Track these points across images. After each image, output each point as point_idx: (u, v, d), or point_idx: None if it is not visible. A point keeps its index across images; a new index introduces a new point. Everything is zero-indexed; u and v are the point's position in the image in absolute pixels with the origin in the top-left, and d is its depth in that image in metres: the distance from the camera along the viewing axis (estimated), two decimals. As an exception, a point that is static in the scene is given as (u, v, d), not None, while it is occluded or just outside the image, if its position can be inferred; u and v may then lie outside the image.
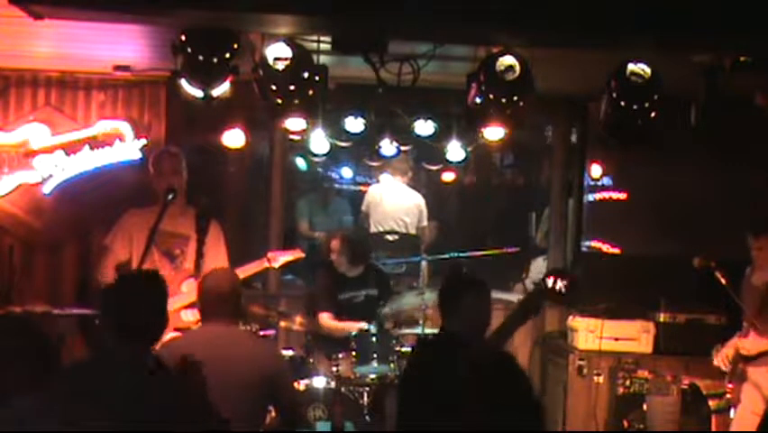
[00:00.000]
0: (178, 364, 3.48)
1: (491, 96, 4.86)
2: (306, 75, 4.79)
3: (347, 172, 10.12)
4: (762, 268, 5.66)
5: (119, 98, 6.63)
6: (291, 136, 6.53)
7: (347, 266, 6.51)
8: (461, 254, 6.90)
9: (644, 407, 6.09)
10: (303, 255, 6.03)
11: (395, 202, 8.13)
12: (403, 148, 6.99)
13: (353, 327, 6.08)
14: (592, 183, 7.34)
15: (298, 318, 6.24)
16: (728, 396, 5.71)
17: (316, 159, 7.92)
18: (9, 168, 6.49)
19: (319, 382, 5.74)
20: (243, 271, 5.51)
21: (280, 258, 5.83)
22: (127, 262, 5.48)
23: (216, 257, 5.55)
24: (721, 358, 5.77)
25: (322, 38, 4.99)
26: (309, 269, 7.57)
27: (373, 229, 7.95)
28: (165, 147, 6.08)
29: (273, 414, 5.20)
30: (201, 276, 4.85)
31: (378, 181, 8.53)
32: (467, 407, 3.04)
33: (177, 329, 5.07)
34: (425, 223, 8.15)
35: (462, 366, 3.18)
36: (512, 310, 4.87)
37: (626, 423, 6.20)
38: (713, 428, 5.85)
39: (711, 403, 5.87)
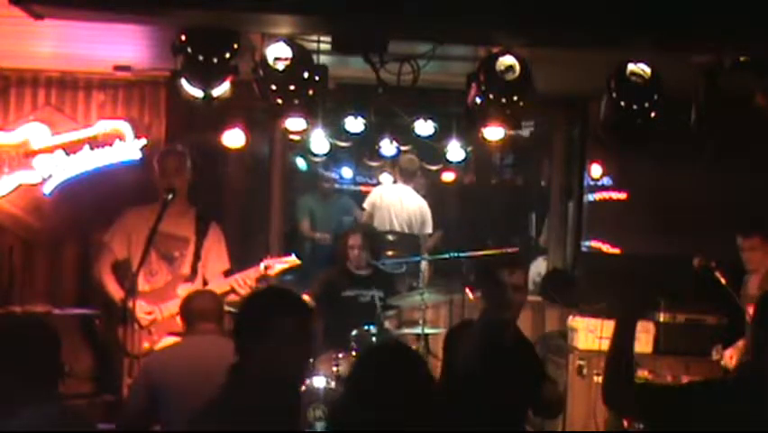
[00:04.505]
0: None
1: (491, 96, 4.85)
2: (306, 75, 4.78)
3: (347, 172, 10.13)
4: (755, 271, 5.66)
5: (119, 98, 6.64)
6: (291, 136, 6.53)
7: (363, 263, 6.51)
8: (461, 254, 6.89)
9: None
10: (299, 263, 5.89)
11: (399, 205, 8.12)
12: (403, 148, 7.00)
13: None
14: (592, 183, 7.34)
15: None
16: None
17: (316, 159, 7.94)
18: (9, 168, 6.50)
19: (319, 382, 5.73)
20: (238, 279, 5.44)
21: (277, 266, 5.64)
22: (125, 261, 5.46)
23: (217, 260, 5.51)
24: (726, 359, 5.78)
25: (322, 38, 4.99)
26: (311, 269, 7.57)
27: (374, 230, 7.95)
28: (171, 146, 5.99)
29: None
30: (185, 295, 4.77)
31: (379, 182, 8.53)
32: None
33: (171, 334, 5.04)
34: (428, 230, 8.10)
35: None
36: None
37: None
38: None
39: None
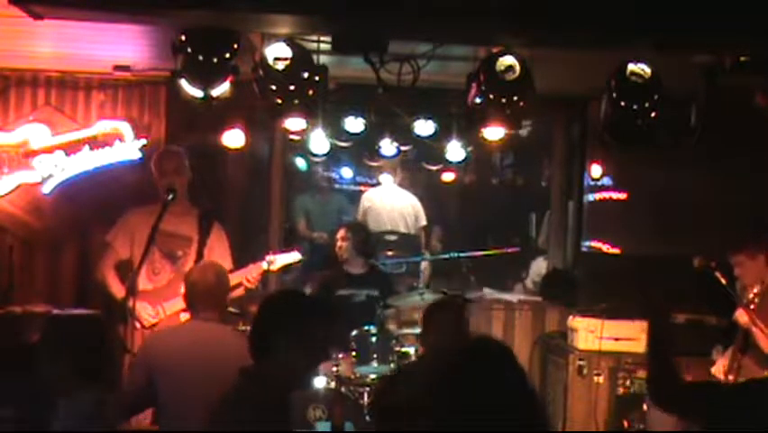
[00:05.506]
0: None
1: (491, 96, 4.86)
2: (306, 75, 4.79)
3: (347, 172, 10.14)
4: (751, 285, 5.66)
5: (119, 98, 6.63)
6: (291, 136, 6.54)
7: (352, 256, 6.52)
8: (461, 254, 6.90)
9: (644, 407, 6.08)
10: (301, 258, 5.96)
11: (390, 205, 8.13)
12: (403, 148, 7.00)
13: None
14: (592, 183, 7.34)
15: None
16: None
17: (316, 159, 7.94)
18: (9, 168, 6.50)
19: (319, 382, 5.73)
20: (243, 275, 5.48)
21: (279, 261, 5.74)
22: (127, 261, 5.46)
23: (220, 260, 5.51)
24: (717, 370, 5.78)
25: (322, 38, 4.99)
26: (310, 269, 7.58)
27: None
28: (166, 146, 6.07)
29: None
30: (189, 271, 4.75)
31: (378, 183, 8.53)
32: None
33: None
34: (423, 222, 8.14)
35: None
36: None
37: (626, 423, 6.19)
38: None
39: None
